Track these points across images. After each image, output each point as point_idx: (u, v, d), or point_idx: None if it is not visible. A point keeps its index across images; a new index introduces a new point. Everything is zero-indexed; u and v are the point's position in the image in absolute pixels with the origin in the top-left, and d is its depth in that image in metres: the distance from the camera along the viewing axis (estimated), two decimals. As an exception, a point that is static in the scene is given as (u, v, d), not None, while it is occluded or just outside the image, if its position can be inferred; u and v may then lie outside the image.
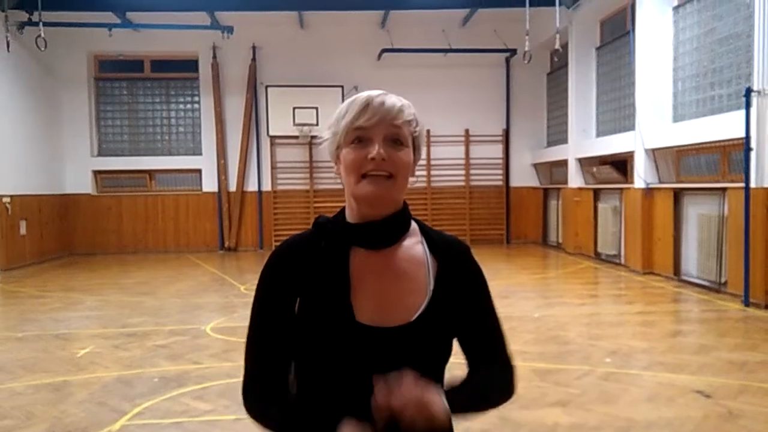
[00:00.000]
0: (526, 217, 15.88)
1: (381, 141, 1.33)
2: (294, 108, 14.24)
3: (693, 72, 9.58)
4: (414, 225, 1.48)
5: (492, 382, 1.46)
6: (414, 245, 1.43)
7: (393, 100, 1.38)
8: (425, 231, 1.47)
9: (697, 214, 9.29)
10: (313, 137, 14.39)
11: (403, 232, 1.43)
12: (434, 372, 1.38)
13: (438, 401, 1.24)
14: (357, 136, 1.33)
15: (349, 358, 1.32)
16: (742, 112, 7.55)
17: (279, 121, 14.34)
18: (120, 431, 4.10)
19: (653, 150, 10.21)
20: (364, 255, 1.38)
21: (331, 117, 1.40)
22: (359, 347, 1.32)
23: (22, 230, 13.01)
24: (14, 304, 9.13)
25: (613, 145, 11.60)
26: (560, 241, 14.42)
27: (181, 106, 15.54)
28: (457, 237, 1.54)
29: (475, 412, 1.42)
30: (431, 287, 1.39)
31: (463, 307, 1.44)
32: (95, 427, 4.16)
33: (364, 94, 1.36)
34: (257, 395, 1.42)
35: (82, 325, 7.49)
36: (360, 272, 1.36)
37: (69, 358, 5.92)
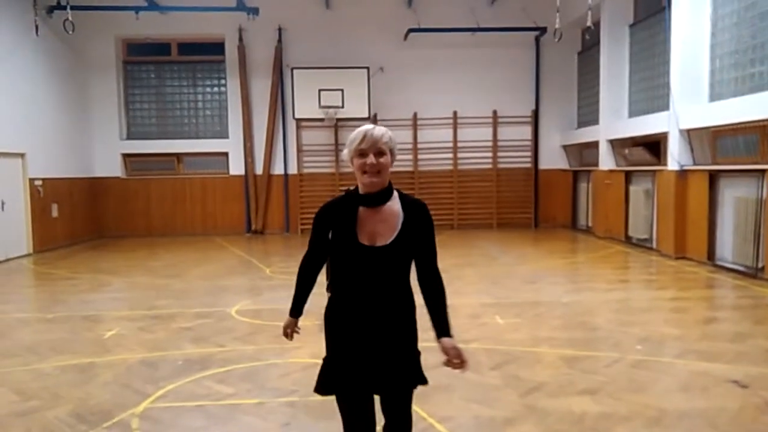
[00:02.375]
0: (554, 201, 15.59)
1: (372, 154, 2.47)
2: (320, 90, 14.14)
3: (732, 48, 9.18)
4: (395, 193, 2.56)
5: (440, 299, 2.59)
6: (394, 205, 2.54)
7: (380, 131, 2.48)
8: (402, 196, 2.58)
9: (733, 197, 8.96)
10: (338, 120, 14.29)
11: (387, 199, 2.53)
12: (401, 272, 2.53)
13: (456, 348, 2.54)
14: (360, 152, 2.48)
15: (355, 261, 2.51)
16: (785, 90, 7.21)
17: (305, 103, 14.25)
18: (143, 413, 4.11)
19: (688, 130, 9.86)
20: (365, 210, 2.52)
21: (348, 139, 2.52)
22: (360, 256, 2.50)
23: (54, 213, 13.24)
24: (46, 286, 9.30)
25: (646, 125, 11.25)
26: (590, 224, 14.13)
27: (208, 89, 15.57)
28: (421, 200, 2.62)
29: (446, 313, 2.58)
30: (399, 227, 2.51)
31: (415, 241, 2.54)
32: (119, 409, 4.18)
33: (363, 129, 2.49)
34: (303, 265, 2.68)
35: (109, 306, 7.58)
36: (362, 218, 2.51)
37: (96, 340, 5.99)
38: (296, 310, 2.74)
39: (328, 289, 2.64)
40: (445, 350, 2.49)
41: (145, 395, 4.43)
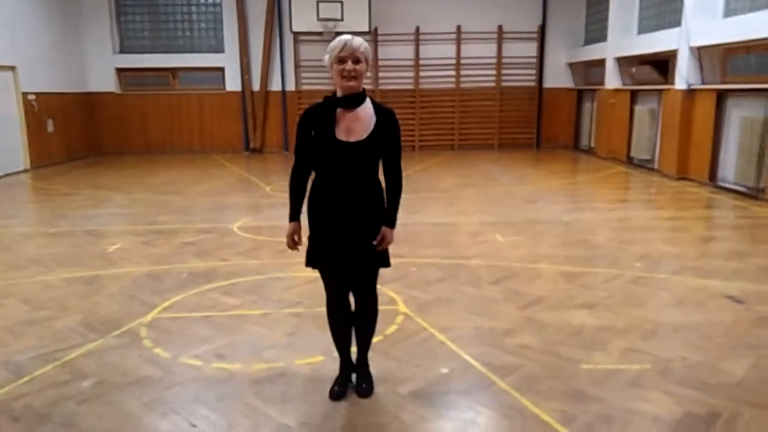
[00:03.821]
0: (558, 120, 15.38)
1: (351, 61, 2.78)
2: (318, 2, 13.60)
3: (751, -40, 8.76)
4: (368, 100, 2.91)
5: (396, 187, 2.99)
6: (367, 109, 2.89)
7: (358, 41, 2.80)
8: (374, 103, 2.94)
9: (740, 117, 8.82)
10: (337, 33, 13.82)
11: (361, 102, 2.88)
12: (371, 166, 2.89)
13: (390, 234, 3.01)
14: (339, 58, 2.79)
15: (332, 155, 2.85)
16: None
17: (303, 16, 13.74)
18: (151, 323, 4.20)
19: (699, 48, 9.58)
20: (342, 111, 2.87)
21: (329, 47, 2.83)
22: (338, 151, 2.83)
23: (50, 128, 13.07)
24: (46, 201, 9.31)
25: (656, 42, 10.91)
26: (592, 145, 14.02)
27: (202, 1, 14.96)
28: (391, 108, 2.96)
29: (397, 204, 3.01)
30: (372, 127, 2.86)
31: (385, 140, 2.89)
32: (128, 318, 4.27)
33: (343, 38, 2.79)
34: (293, 177, 3.00)
35: (111, 222, 7.61)
36: (340, 118, 2.86)
37: (100, 254, 6.05)
38: (294, 214, 3.00)
39: (297, 190, 3.02)
40: (381, 233, 2.96)
41: (152, 306, 4.52)
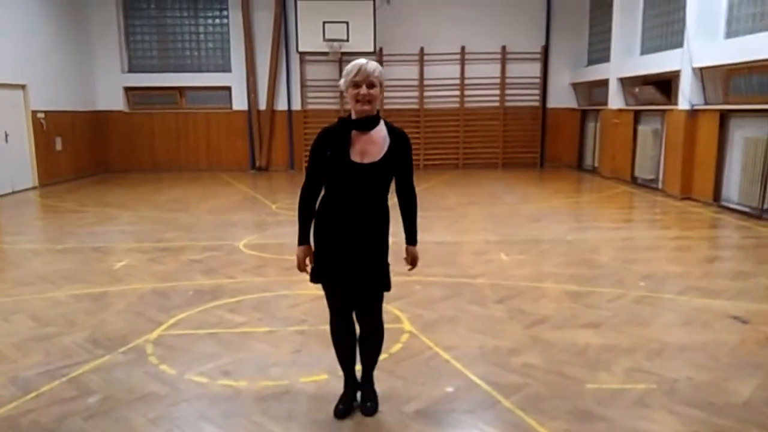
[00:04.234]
0: (561, 140, 15.45)
1: (365, 86, 2.86)
2: (324, 23, 13.77)
3: (752, -18, 8.87)
4: (382, 122, 2.98)
5: (412, 206, 3.09)
6: (381, 131, 2.96)
7: (372, 65, 2.87)
8: (387, 125, 3.00)
9: (743, 137, 8.86)
10: (343, 54, 14.00)
11: (375, 125, 2.95)
12: (382, 187, 2.95)
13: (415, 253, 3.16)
14: (354, 83, 2.87)
15: (346, 176, 2.91)
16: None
17: (309, 36, 13.91)
18: (157, 340, 4.22)
19: (701, 69, 9.66)
20: (357, 133, 2.93)
21: (344, 71, 2.90)
22: (352, 173, 2.90)
23: (58, 146, 13.21)
24: (54, 218, 9.38)
25: (659, 63, 11.00)
26: (596, 165, 14.06)
27: (210, 21, 15.19)
28: (403, 129, 3.03)
29: (414, 221, 3.11)
30: (386, 149, 2.93)
31: (398, 162, 2.97)
32: (134, 335, 4.30)
33: (358, 63, 2.88)
34: (303, 197, 3.04)
35: (118, 239, 7.66)
36: (354, 140, 2.92)
37: (107, 270, 6.09)
38: (303, 238, 3.04)
39: (307, 211, 3.07)
40: (407, 252, 3.13)
41: (159, 323, 4.55)
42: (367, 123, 2.91)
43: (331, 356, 3.30)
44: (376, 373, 3.31)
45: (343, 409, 3.18)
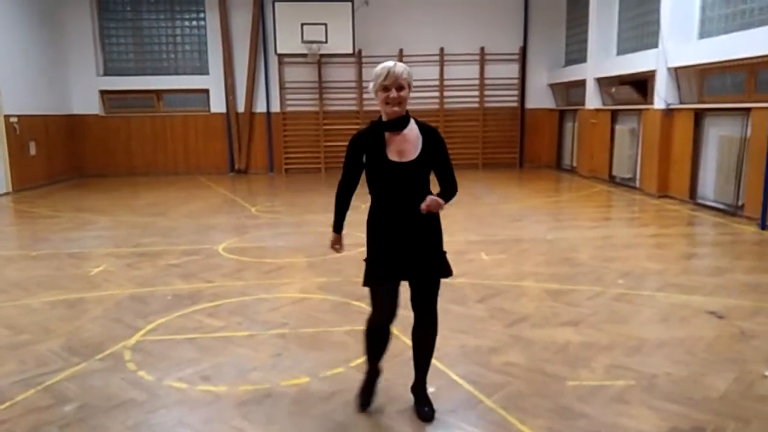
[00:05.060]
0: (540, 140, 15.57)
1: (394, 89, 2.90)
2: (302, 24, 13.73)
3: (724, -16, 9.02)
4: (412, 121, 3.04)
5: (451, 190, 3.10)
6: (413, 130, 3.03)
7: (400, 68, 2.91)
8: (418, 123, 3.06)
9: (718, 135, 9.01)
10: (321, 56, 13.95)
11: (406, 124, 3.01)
12: (423, 183, 3.00)
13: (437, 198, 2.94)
14: (383, 86, 2.92)
15: (387, 175, 2.98)
16: (775, 26, 7.14)
17: (287, 38, 13.85)
18: (135, 346, 4.15)
19: (676, 69, 9.81)
20: (390, 134, 3.00)
21: (373, 75, 2.94)
22: (392, 172, 2.96)
23: (32, 151, 12.97)
24: (27, 224, 9.20)
25: (635, 63, 11.15)
26: (574, 164, 14.19)
27: (186, 23, 15.04)
28: (433, 125, 3.13)
29: (449, 200, 3.02)
30: (420, 146, 2.99)
31: (434, 157, 3.03)
32: (111, 341, 4.23)
33: (386, 66, 2.91)
34: (340, 190, 3.13)
35: (94, 244, 7.54)
36: (389, 141, 2.99)
37: (83, 276, 5.99)
38: (338, 226, 3.20)
39: (343, 203, 3.16)
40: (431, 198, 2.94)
41: (136, 329, 4.47)
42: (399, 123, 2.97)
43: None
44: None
45: (366, 400, 3.24)
